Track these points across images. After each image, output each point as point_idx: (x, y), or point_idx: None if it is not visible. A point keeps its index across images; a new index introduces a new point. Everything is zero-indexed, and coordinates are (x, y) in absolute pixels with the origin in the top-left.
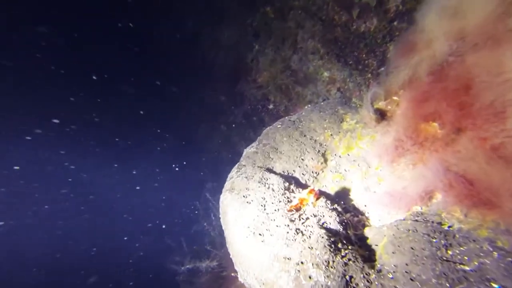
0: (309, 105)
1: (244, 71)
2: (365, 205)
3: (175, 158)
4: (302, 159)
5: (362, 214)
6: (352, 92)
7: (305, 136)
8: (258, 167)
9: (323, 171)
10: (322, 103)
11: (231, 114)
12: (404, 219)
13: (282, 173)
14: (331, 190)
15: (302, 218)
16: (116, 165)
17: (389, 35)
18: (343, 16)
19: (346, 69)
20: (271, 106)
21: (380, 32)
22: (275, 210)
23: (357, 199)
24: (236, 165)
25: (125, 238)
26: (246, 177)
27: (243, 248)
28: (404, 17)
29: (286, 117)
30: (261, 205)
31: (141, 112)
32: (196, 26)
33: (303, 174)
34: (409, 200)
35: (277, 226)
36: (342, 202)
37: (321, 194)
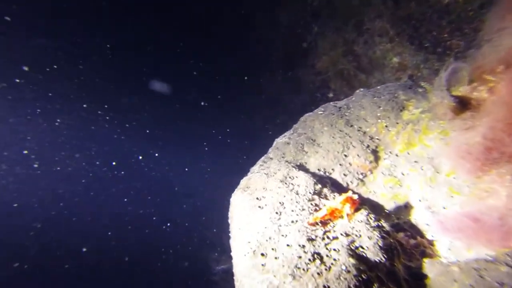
0: (362, 89)
1: (302, 55)
2: (427, 224)
3: (226, 149)
4: (345, 156)
5: (422, 236)
6: (427, 81)
7: (351, 126)
8: (286, 161)
9: (372, 173)
10: (378, 87)
11: (290, 102)
12: (494, 260)
13: (317, 171)
14: (381, 197)
15: (328, 237)
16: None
17: (488, 4)
18: None
19: (420, 53)
20: (331, 95)
21: (474, 2)
22: (292, 222)
23: (417, 214)
24: (263, 157)
25: (165, 227)
26: (267, 174)
27: (239, 268)
28: None
29: (331, 102)
30: (276, 213)
31: (202, 103)
32: (252, 4)
33: (344, 174)
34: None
35: (287, 245)
36: (394, 216)
37: (362, 203)
